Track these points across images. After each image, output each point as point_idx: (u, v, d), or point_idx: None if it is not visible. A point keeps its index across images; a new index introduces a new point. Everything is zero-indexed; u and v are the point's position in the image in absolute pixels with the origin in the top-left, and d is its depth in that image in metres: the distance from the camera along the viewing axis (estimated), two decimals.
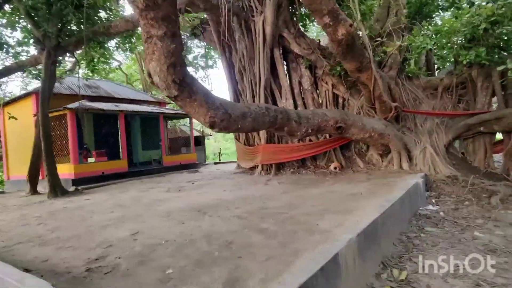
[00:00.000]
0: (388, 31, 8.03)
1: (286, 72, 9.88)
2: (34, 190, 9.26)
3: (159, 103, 15.25)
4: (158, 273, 2.71)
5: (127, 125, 11.83)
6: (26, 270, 2.96)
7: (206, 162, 17.90)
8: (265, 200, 5.62)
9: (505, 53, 7.50)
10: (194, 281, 2.49)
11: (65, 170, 9.95)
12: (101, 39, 9.76)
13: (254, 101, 9.71)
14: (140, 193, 7.69)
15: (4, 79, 12.39)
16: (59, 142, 10.29)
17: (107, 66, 16.10)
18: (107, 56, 11.29)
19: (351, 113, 7.93)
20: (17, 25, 9.97)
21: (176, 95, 3.93)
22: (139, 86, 22.77)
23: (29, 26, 9.63)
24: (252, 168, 10.34)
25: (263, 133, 9.50)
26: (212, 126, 4.60)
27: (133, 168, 11.72)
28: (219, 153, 20.98)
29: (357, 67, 7.34)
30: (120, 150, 11.35)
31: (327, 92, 9.78)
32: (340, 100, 9.71)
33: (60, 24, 8.87)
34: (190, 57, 14.77)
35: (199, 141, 17.24)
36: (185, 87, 3.99)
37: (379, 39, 7.71)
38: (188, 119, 15.27)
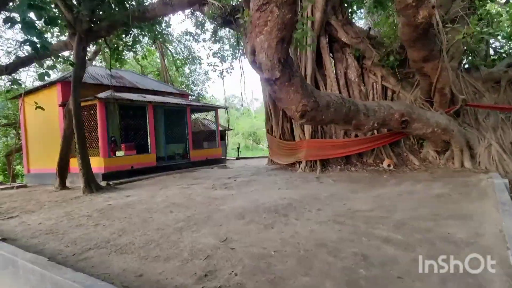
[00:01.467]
0: (454, 17, 7.36)
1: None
2: (63, 185, 8.68)
3: (182, 95, 14.61)
4: None
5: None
6: None
7: (227, 157, 17.31)
8: (341, 200, 5.04)
9: None
10: None
11: (94, 164, 9.35)
12: (135, 24, 9.08)
13: None
14: (184, 189, 7.10)
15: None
16: (87, 134, 9.68)
17: (126, 57, 15.46)
18: (135, 44, 10.61)
19: (415, 106, 7.30)
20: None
21: (277, 77, 3.34)
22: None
23: (53, 10, 9.00)
24: (291, 164, 9.75)
25: (307, 128, 8.89)
26: (302, 115, 4.01)
27: (161, 162, 11.13)
28: (238, 148, 20.38)
29: (425, 56, 6.71)
30: (149, 143, 10.74)
31: (374, 84, 9.16)
32: (389, 93, 9.08)
33: (92, 7, 8.21)
34: (216, 47, 14.09)
35: (222, 135, 16.61)
36: (287, 68, 3.39)
37: (450, 25, 7.05)
38: (213, 112, 14.60)
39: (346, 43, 8.99)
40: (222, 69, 14.40)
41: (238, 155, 19.46)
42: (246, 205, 5.08)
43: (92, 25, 8.40)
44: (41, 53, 4.08)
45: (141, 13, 8.52)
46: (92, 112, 9.59)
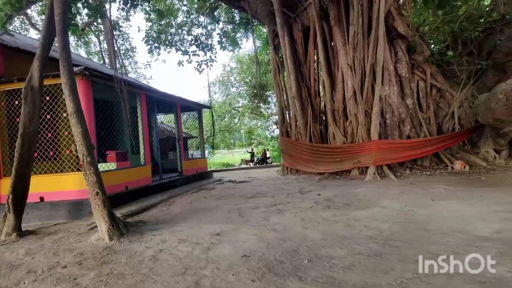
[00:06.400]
0: None
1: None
2: (19, 227, 4.53)
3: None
4: None
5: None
6: None
7: None
8: None
9: None
10: None
11: (69, 185, 5.44)
12: None
13: (362, 87, 7.65)
14: (282, 216, 4.53)
15: None
16: (49, 134, 5.59)
17: None
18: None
19: None
20: None
21: None
22: None
23: None
24: (340, 172, 8.09)
25: (374, 126, 7.46)
26: None
27: (156, 178, 7.56)
28: None
29: None
30: (142, 150, 7.14)
31: (420, 82, 8.55)
32: (434, 92, 8.62)
33: None
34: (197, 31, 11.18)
35: (184, 144, 13.31)
36: None
37: None
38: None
39: (399, 35, 8.13)
40: (201, 61, 11.52)
41: None
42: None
43: None
44: None
45: None
46: (62, 95, 5.65)
